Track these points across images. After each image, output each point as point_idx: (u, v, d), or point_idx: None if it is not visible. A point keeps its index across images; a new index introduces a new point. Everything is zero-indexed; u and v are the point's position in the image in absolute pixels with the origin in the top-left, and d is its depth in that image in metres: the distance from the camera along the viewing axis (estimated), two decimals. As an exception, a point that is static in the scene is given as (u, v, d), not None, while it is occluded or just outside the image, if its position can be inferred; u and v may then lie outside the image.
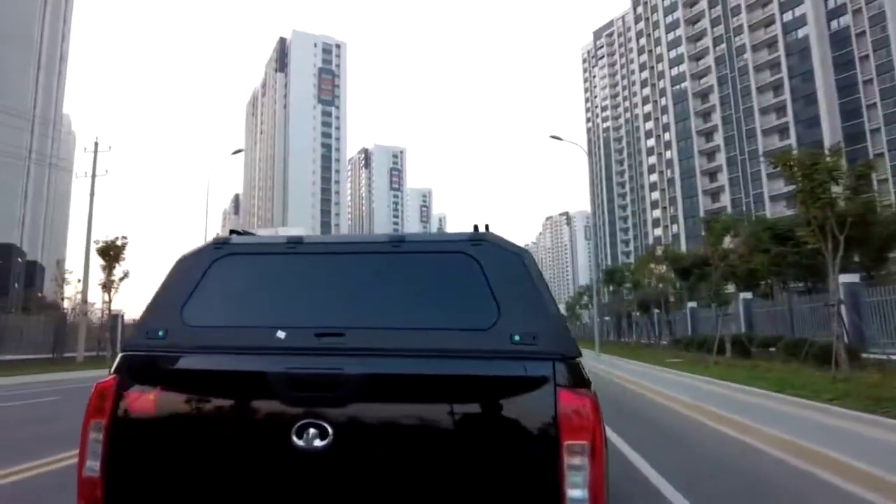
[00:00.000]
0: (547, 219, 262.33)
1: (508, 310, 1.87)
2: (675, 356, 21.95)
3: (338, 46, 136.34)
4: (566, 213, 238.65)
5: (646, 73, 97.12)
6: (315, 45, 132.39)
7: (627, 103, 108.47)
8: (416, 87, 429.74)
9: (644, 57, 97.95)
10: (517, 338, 1.82)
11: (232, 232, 2.42)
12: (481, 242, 2.03)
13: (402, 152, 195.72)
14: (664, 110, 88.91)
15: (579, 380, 1.82)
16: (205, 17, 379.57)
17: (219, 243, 2.26)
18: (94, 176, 37.68)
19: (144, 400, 1.94)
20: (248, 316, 2.08)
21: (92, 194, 37.73)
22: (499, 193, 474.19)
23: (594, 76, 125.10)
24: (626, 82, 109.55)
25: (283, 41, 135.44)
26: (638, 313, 40.99)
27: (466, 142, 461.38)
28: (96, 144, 37.23)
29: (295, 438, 1.76)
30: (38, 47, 69.39)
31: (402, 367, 1.86)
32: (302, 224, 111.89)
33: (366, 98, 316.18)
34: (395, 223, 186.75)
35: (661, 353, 25.21)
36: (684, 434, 7.59)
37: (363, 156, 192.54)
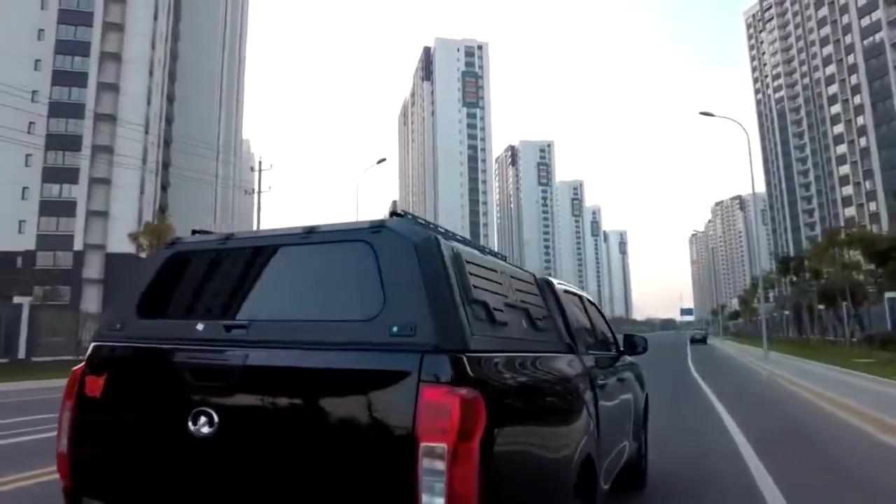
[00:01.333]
0: (716, 204, 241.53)
1: (393, 300, 1.80)
2: (867, 356, 18.33)
3: (479, 48, 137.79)
4: (738, 197, 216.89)
5: (827, 29, 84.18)
6: (458, 50, 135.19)
7: (805, 67, 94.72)
8: (560, 77, 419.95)
9: (824, 10, 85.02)
10: (395, 329, 1.74)
11: (194, 232, 2.53)
12: (380, 230, 1.95)
13: (549, 146, 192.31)
14: (852, 69, 76.29)
15: (460, 376, 1.67)
16: (354, 37, 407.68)
17: (170, 243, 2.45)
18: (259, 192, 41.83)
19: (96, 385, 2.16)
20: (180, 309, 2.28)
21: (259, 209, 41.98)
22: (658, 179, 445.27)
23: (761, 42, 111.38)
24: (802, 43, 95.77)
25: (427, 50, 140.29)
26: (822, 307, 35.32)
27: (617, 128, 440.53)
28: (260, 163, 41.28)
29: (190, 424, 1.86)
30: (219, 84, 79.33)
31: (279, 359, 1.90)
32: (451, 225, 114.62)
33: (510, 95, 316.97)
34: (545, 219, 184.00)
35: (848, 353, 21.29)
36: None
37: (509, 153, 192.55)
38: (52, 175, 53.31)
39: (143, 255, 40.87)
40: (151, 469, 1.99)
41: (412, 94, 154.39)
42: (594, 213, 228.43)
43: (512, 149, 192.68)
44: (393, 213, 2.14)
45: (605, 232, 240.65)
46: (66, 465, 2.15)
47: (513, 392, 2.03)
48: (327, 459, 1.73)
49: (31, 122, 52.02)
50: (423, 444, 1.58)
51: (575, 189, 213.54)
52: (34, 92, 52.89)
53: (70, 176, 53.63)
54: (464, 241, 2.35)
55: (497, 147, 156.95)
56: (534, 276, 2.98)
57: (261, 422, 1.85)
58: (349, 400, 1.77)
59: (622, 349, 4.30)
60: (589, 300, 4.18)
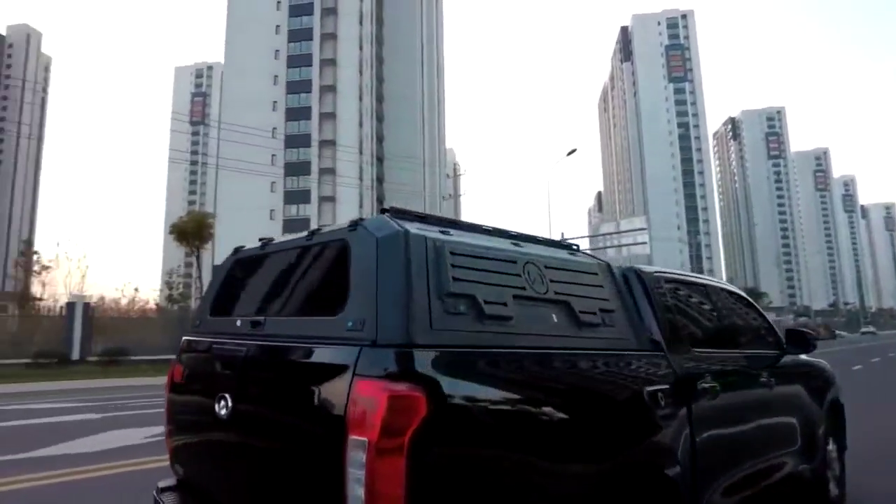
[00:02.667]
0: None
1: (354, 296, 1.85)
2: None
3: (683, 17, 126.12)
4: None
5: None
6: (658, 24, 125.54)
7: None
8: (784, 34, 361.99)
9: None
10: (350, 324, 1.79)
11: (259, 240, 2.71)
12: (356, 227, 2.00)
13: (779, 112, 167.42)
14: None
15: (400, 371, 1.64)
16: (544, 30, 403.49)
17: (234, 251, 2.76)
18: (457, 197, 43.72)
19: (178, 373, 2.62)
20: (232, 308, 2.58)
21: (457, 214, 43.93)
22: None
23: None
24: None
25: (624, 30, 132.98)
26: None
27: (869, 81, 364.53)
28: (455, 169, 43.20)
29: (216, 406, 2.14)
30: (421, 99, 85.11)
31: (263, 352, 2.14)
32: (664, 212, 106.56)
33: (723, 64, 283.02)
34: (780, 197, 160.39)
35: None
36: None
37: (729, 126, 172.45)
38: (290, 198, 62.72)
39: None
40: (197, 445, 2.44)
41: (611, 78, 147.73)
42: (846, 184, 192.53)
43: (732, 121, 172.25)
44: (382, 210, 2.14)
45: (862, 206, 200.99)
46: (166, 440, 2.69)
47: (497, 391, 1.89)
48: (286, 448, 1.90)
49: (273, 155, 62.09)
50: (350, 437, 1.60)
51: (818, 159, 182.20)
52: (273, 129, 62.99)
53: (304, 197, 62.48)
54: (473, 229, 2.32)
55: (713, 122, 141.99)
56: (604, 264, 2.67)
57: (252, 407, 2.09)
58: (307, 392, 1.83)
59: (785, 347, 3.77)
60: (727, 290, 3.72)
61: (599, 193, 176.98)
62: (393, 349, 1.66)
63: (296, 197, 62.80)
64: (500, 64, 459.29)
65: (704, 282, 3.53)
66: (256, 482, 1.98)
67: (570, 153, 40.57)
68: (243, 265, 2.66)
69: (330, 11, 65.55)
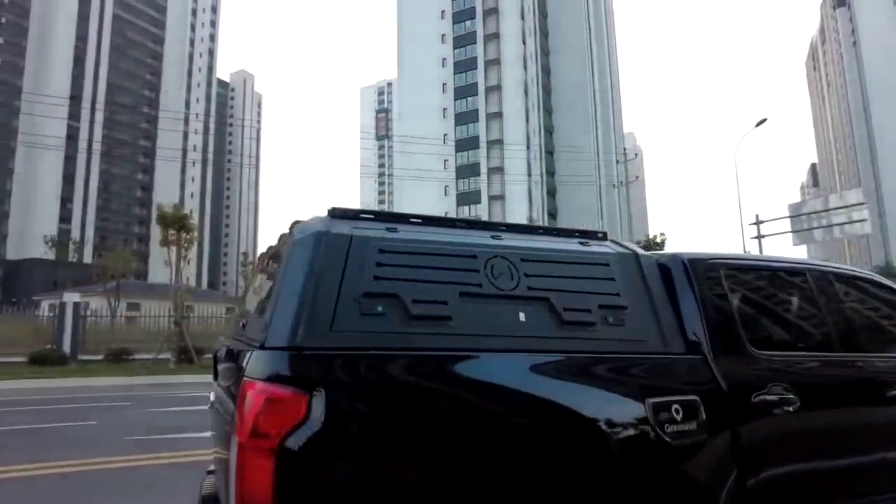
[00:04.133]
0: None
1: (272, 298, 1.86)
2: None
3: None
4: None
5: None
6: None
7: None
8: None
9: None
10: (263, 327, 1.80)
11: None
12: (291, 230, 2.03)
13: None
14: None
15: (283, 373, 1.62)
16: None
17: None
18: (626, 184, 41.26)
19: None
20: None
21: (627, 201, 41.48)
22: None
23: None
24: None
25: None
26: None
27: None
28: (625, 154, 40.72)
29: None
30: (591, 86, 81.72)
31: (229, 354, 2.19)
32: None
33: None
34: None
35: None
36: None
37: None
38: (462, 199, 64.59)
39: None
40: None
41: (821, 31, 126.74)
42: None
43: None
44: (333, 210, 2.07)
45: None
46: None
47: (408, 399, 1.72)
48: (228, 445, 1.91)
49: (445, 160, 64.56)
50: (232, 437, 1.65)
51: None
52: (444, 135, 65.47)
53: (475, 198, 63.84)
54: (441, 224, 2.13)
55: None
56: (625, 254, 2.27)
57: (220, 403, 2.21)
58: (232, 394, 1.84)
59: None
60: (856, 277, 2.98)
61: (813, 166, 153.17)
62: (276, 352, 1.64)
63: (467, 198, 64.44)
64: (680, 36, 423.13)
65: (810, 268, 2.79)
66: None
67: (758, 124, 35.53)
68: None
69: (491, 12, 66.14)
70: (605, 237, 2.41)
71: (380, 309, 1.76)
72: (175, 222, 18.77)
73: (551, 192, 70.32)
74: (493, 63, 65.19)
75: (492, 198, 63.18)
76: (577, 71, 76.54)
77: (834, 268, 2.91)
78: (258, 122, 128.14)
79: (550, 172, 70.28)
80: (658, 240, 30.58)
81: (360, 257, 1.81)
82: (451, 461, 1.69)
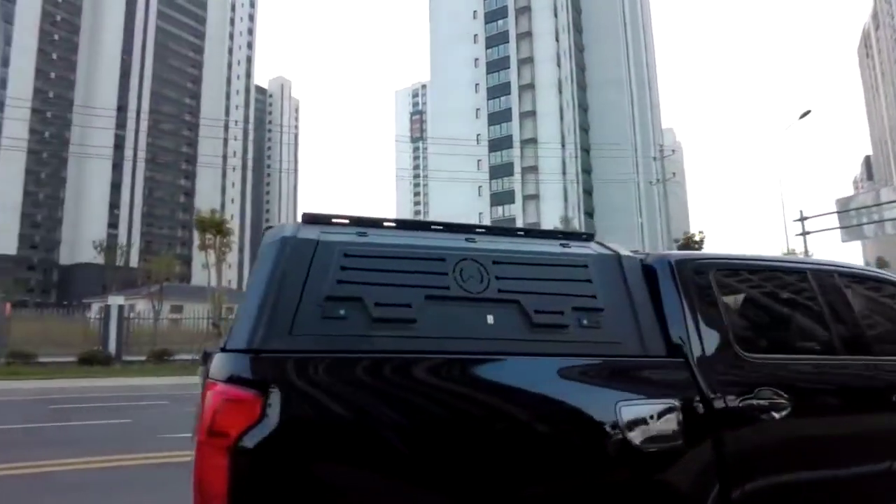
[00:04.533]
0: None
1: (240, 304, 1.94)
2: None
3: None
4: None
5: None
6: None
7: None
8: None
9: None
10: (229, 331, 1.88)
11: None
12: (263, 235, 2.08)
13: None
14: None
15: (242, 375, 1.68)
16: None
17: None
18: (663, 181, 40.51)
19: None
20: None
21: (664, 198, 40.73)
22: None
23: None
24: None
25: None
26: None
27: None
28: (661, 151, 39.90)
29: None
30: (627, 81, 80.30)
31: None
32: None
33: None
34: None
35: None
36: None
37: None
38: (496, 199, 64.43)
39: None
40: None
41: (873, 16, 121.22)
42: None
43: None
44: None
45: None
46: None
47: (365, 401, 1.73)
48: None
49: (478, 160, 64.47)
50: (195, 437, 1.71)
51: None
52: (478, 136, 65.37)
53: (509, 198, 63.56)
54: (414, 227, 2.19)
55: None
56: (606, 255, 2.25)
57: None
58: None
59: None
60: (869, 277, 2.88)
61: (867, 158, 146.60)
62: (235, 354, 1.70)
63: (501, 198, 64.20)
64: (722, 25, 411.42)
65: (812, 267, 2.66)
66: None
67: (802, 116, 34.26)
68: None
69: (523, 10, 65.79)
70: (589, 238, 2.38)
71: (341, 312, 1.79)
72: (212, 226, 19.27)
73: (588, 191, 69.36)
74: (527, 61, 64.77)
75: (526, 197, 62.75)
76: (613, 67, 75.33)
77: (842, 267, 2.77)
78: (296, 127, 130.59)
79: (587, 171, 69.35)
80: (697, 238, 29.88)
81: (324, 262, 1.85)
82: (403, 464, 1.69)
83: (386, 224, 2.15)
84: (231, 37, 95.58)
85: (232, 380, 1.65)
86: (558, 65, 64.80)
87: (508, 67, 65.50)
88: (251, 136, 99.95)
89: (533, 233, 2.36)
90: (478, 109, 66.85)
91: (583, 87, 71.87)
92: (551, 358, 1.92)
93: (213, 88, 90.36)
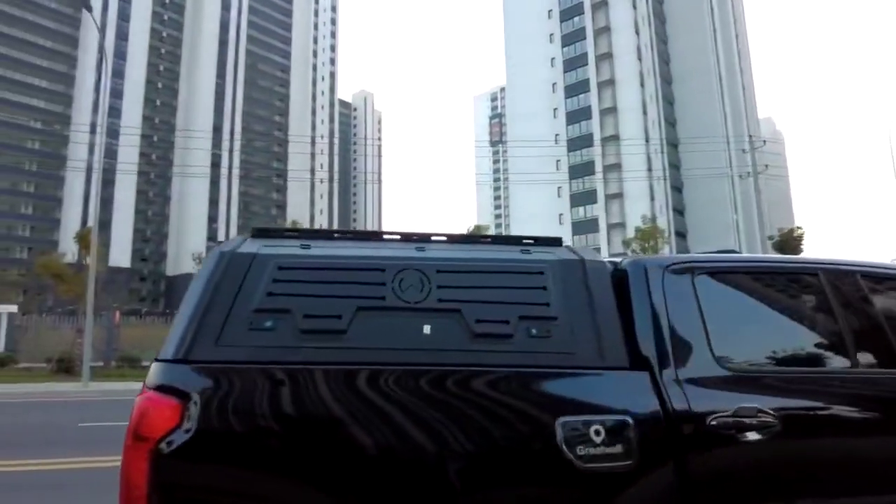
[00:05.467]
0: None
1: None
2: None
3: None
4: None
5: None
6: None
7: None
8: None
9: None
10: None
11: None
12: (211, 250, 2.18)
13: None
14: None
15: (166, 383, 1.77)
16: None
17: None
18: (754, 175, 37.94)
19: None
20: None
21: (757, 192, 38.22)
22: None
23: None
24: None
25: None
26: None
27: None
28: (751, 142, 37.38)
29: None
30: (716, 72, 75.89)
31: None
32: None
33: None
34: None
35: None
36: None
37: None
38: (576, 200, 62.80)
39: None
40: None
41: None
42: None
43: None
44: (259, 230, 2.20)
45: None
46: None
47: (286, 410, 1.76)
48: None
49: (557, 160, 63.18)
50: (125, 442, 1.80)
51: None
52: (556, 135, 64.13)
53: (590, 197, 61.74)
54: (364, 238, 2.23)
55: None
56: (569, 261, 2.12)
57: None
58: None
59: None
60: (881, 274, 2.46)
61: None
62: (163, 363, 1.79)
63: (582, 198, 62.53)
64: (830, 5, 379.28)
65: (824, 267, 2.35)
66: None
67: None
68: None
69: (600, 5, 63.96)
70: (558, 243, 2.27)
71: (269, 324, 1.83)
72: None
73: (677, 187, 66.05)
74: (605, 57, 62.82)
75: (609, 196, 60.69)
76: (700, 57, 71.45)
77: (868, 267, 2.43)
78: (379, 137, 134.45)
79: (675, 166, 66.10)
80: (796, 234, 27.66)
81: (257, 275, 1.90)
82: (318, 475, 1.69)
83: (337, 236, 2.20)
84: (315, 55, 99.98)
85: (157, 388, 1.75)
86: (639, 58, 62.31)
87: (586, 64, 63.79)
88: (336, 149, 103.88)
89: (498, 239, 2.29)
90: (555, 109, 65.60)
91: (667, 80, 68.71)
92: (489, 369, 1.84)
93: (300, 105, 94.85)
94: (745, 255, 2.45)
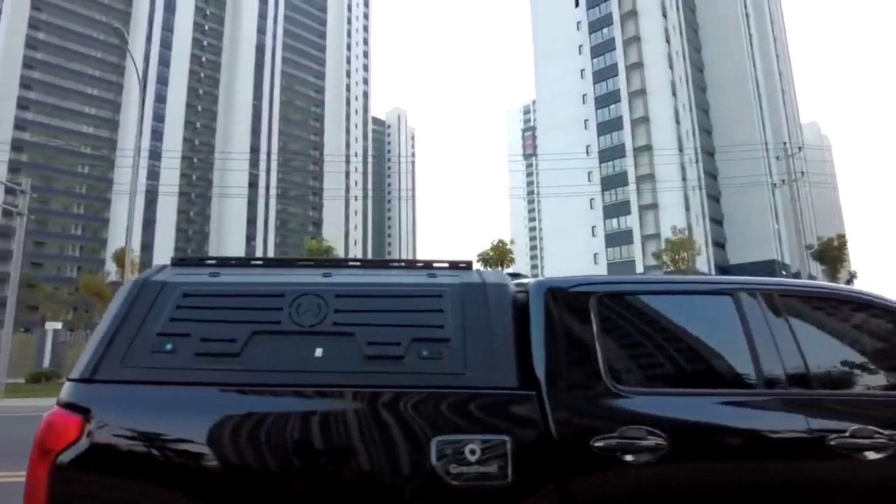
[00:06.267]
0: None
1: None
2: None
3: None
4: None
5: None
6: None
7: None
8: None
9: None
10: None
11: None
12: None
13: None
14: None
15: (70, 401, 1.91)
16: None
17: None
18: (793, 181, 36.87)
19: None
20: None
21: (797, 200, 37.20)
22: None
23: None
24: None
25: None
26: None
27: None
28: (786, 149, 36.39)
29: None
30: (753, 78, 74.10)
31: None
32: None
33: None
34: None
35: None
36: None
37: None
38: (609, 212, 61.82)
39: (664, 270, 41.77)
40: None
41: None
42: None
43: None
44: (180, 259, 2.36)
45: None
46: None
47: (178, 428, 1.87)
48: None
49: (588, 172, 62.51)
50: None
51: None
52: (587, 147, 63.53)
53: (623, 209, 60.71)
54: (276, 265, 2.34)
55: None
56: (471, 284, 2.18)
57: None
58: None
59: None
60: (800, 292, 2.39)
61: None
62: (72, 382, 1.94)
63: (615, 210, 61.56)
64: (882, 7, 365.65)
65: (742, 286, 2.33)
66: None
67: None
68: None
69: (630, 15, 63.35)
70: (468, 267, 2.35)
71: (169, 347, 1.97)
72: (318, 254, 20.51)
73: (714, 197, 64.48)
74: (636, 67, 62.10)
75: (643, 207, 59.57)
76: (735, 63, 70.01)
77: (789, 286, 2.39)
78: (412, 154, 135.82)
79: (712, 175, 64.61)
80: (836, 242, 26.68)
81: (164, 301, 2.05)
82: (200, 488, 1.79)
83: (253, 263, 2.32)
84: (348, 74, 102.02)
85: (64, 404, 1.88)
86: (670, 67, 61.35)
87: (616, 75, 63.15)
88: (370, 167, 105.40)
89: (408, 264, 2.38)
90: (586, 120, 65.04)
91: (702, 88, 67.47)
92: (377, 389, 1.90)
93: (334, 124, 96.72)
94: (657, 276, 2.49)
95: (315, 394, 1.89)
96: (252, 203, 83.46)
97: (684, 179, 58.63)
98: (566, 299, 2.17)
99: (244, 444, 1.82)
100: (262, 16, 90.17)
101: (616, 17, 63.98)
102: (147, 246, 71.31)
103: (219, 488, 1.79)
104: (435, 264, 2.35)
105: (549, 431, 1.87)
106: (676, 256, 33.79)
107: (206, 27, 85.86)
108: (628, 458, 1.85)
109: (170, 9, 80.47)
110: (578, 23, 67.03)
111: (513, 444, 1.82)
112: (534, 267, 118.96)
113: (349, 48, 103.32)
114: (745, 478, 1.93)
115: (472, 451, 1.81)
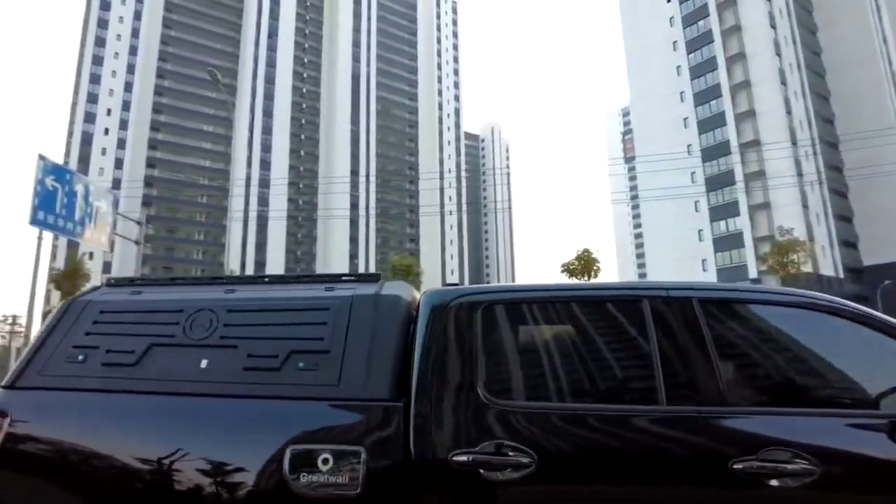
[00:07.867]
0: None
1: None
2: None
3: None
4: None
5: None
6: None
7: None
8: None
9: None
10: None
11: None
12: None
13: None
14: None
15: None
16: None
17: None
18: None
19: None
20: None
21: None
22: None
23: None
24: None
25: None
26: None
27: None
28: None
29: None
30: (884, 56, 66.32)
31: None
32: None
33: None
34: None
35: None
36: None
37: None
38: (716, 213, 57.57)
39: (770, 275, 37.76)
40: None
41: None
42: None
43: None
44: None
45: None
46: None
47: (80, 433, 2.06)
48: None
49: (692, 173, 58.75)
50: None
51: None
52: (688, 146, 59.84)
53: (732, 210, 56.34)
54: (194, 283, 2.52)
55: None
56: (363, 297, 2.23)
57: None
58: None
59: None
60: (718, 298, 2.21)
61: None
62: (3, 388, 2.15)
63: (722, 211, 57.26)
64: None
65: (648, 294, 2.13)
66: None
67: None
68: None
69: (727, 4, 59.23)
70: (375, 279, 2.39)
71: (80, 357, 2.18)
72: (402, 269, 21.15)
73: (838, 191, 58.26)
74: (737, 58, 57.77)
75: (753, 207, 54.92)
76: (861, 42, 63.22)
77: (702, 290, 2.16)
78: (507, 166, 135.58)
79: (836, 167, 58.53)
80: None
81: (85, 317, 2.29)
82: (98, 486, 1.94)
83: (176, 282, 2.53)
84: (439, 93, 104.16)
85: None
86: (778, 54, 56.43)
87: (716, 69, 59.07)
88: (464, 181, 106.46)
89: (312, 278, 2.48)
90: (685, 119, 61.35)
91: (819, 73, 61.52)
92: (249, 398, 2.00)
93: (428, 142, 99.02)
94: (552, 284, 2.29)
95: (197, 401, 2.05)
96: (353, 223, 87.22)
97: (800, 175, 53.44)
98: (449, 311, 2.13)
99: (137, 445, 1.98)
100: (356, 44, 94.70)
101: (712, 8, 60.06)
102: (259, 265, 76.74)
103: (115, 485, 1.93)
104: (344, 278, 2.42)
105: (408, 444, 1.84)
106: (784, 259, 30.60)
107: (306, 60, 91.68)
108: (489, 475, 1.77)
109: (272, 47, 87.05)
110: (671, 18, 63.69)
111: (367, 455, 1.82)
112: (642, 275, 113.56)
113: (439, 67, 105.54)
114: (620, 500, 1.81)
115: (325, 461, 1.82)
